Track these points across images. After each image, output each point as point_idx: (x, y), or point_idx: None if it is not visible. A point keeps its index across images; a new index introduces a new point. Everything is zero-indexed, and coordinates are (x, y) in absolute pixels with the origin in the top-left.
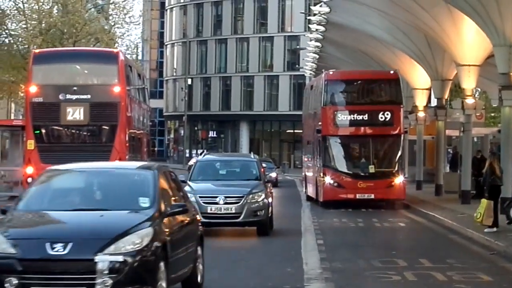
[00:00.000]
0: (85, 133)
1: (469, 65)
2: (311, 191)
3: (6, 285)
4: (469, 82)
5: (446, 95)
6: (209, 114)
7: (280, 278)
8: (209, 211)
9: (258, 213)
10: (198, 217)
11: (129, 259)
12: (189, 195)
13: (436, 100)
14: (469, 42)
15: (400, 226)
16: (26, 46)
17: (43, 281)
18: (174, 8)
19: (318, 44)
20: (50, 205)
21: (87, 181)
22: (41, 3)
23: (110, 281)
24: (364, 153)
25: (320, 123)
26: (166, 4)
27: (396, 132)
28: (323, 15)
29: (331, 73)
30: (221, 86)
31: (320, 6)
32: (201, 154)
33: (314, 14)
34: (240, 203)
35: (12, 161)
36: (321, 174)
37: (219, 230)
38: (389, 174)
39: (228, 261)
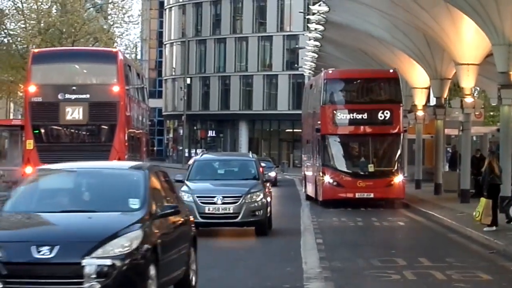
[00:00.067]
0: (84, 132)
1: (468, 64)
2: (310, 190)
3: None
4: (468, 81)
5: (445, 94)
6: (208, 113)
7: (279, 277)
8: (207, 211)
9: (257, 213)
10: (191, 218)
11: (118, 263)
12: (186, 195)
13: (435, 99)
14: (468, 41)
15: (399, 225)
16: (25, 45)
17: (29, 285)
18: (173, 8)
19: (317, 43)
20: (37, 207)
21: (76, 182)
22: (40, 3)
23: (98, 286)
24: (364, 152)
25: (319, 122)
26: (165, 4)
27: (396, 131)
28: (322, 14)
29: (330, 72)
30: (220, 85)
31: (319, 5)
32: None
33: (313, 13)
34: (238, 203)
35: (11, 160)
36: (321, 173)
37: (218, 230)
38: (388, 173)
39: (227, 261)
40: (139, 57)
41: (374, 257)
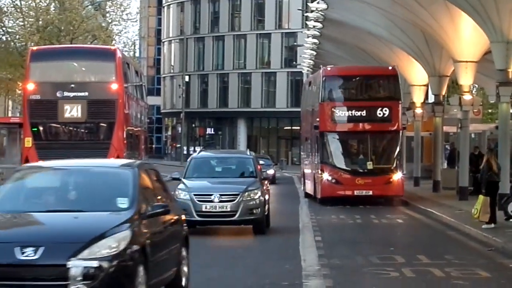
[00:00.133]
0: (82, 130)
1: (467, 62)
2: (309, 188)
3: None
4: (466, 79)
5: (444, 92)
6: (206, 111)
7: (278, 275)
8: (204, 209)
9: (254, 211)
10: (183, 217)
11: (105, 265)
12: (183, 193)
13: (433, 96)
14: (466, 38)
15: (398, 223)
16: (23, 43)
17: None
18: (171, 5)
19: (316, 40)
20: (22, 206)
21: (63, 180)
22: (38, 1)
23: None
24: (362, 149)
25: (318, 119)
26: (163, 1)
27: (395, 128)
28: (320, 12)
29: (329, 69)
30: (218, 83)
31: (318, 2)
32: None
33: (312, 11)
34: (236, 201)
35: (10, 158)
36: (319, 171)
37: (217, 228)
38: (387, 171)
39: (226, 259)
40: (137, 54)
41: (373, 255)
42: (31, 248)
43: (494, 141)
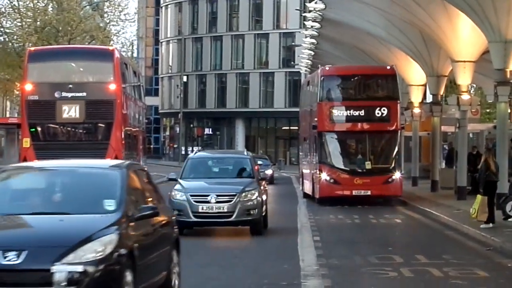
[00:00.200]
0: (80, 130)
1: (465, 61)
2: (307, 188)
3: None
4: (464, 78)
5: (442, 91)
6: (204, 111)
7: (277, 275)
8: (200, 210)
9: (251, 212)
10: (174, 218)
11: (90, 269)
12: (179, 193)
13: (431, 96)
14: (464, 38)
15: (396, 223)
16: (21, 44)
17: None
18: (169, 6)
19: (314, 41)
20: (5, 208)
21: (48, 181)
22: (36, 1)
23: None
24: (361, 149)
25: (316, 119)
26: (161, 2)
27: (393, 128)
28: (318, 12)
29: (327, 68)
30: (216, 83)
31: (315, 2)
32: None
33: (310, 11)
34: (233, 202)
35: (8, 159)
36: (317, 171)
37: (215, 229)
38: (385, 171)
39: (225, 259)
40: (135, 55)
41: (371, 255)
42: (14, 252)
43: (492, 141)
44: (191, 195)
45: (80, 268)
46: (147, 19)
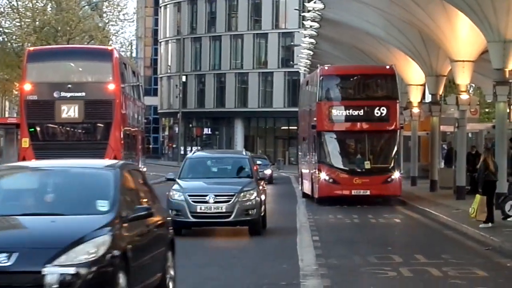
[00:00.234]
0: (79, 130)
1: (464, 61)
2: (306, 187)
3: None
4: (463, 78)
5: (441, 91)
6: (203, 111)
7: (276, 275)
8: (198, 210)
9: (250, 212)
10: (169, 219)
11: (82, 271)
12: (178, 193)
13: (430, 96)
14: (463, 38)
15: (395, 222)
16: (20, 44)
17: None
18: (168, 5)
19: (313, 40)
20: None
21: (40, 182)
22: (35, 1)
23: None
24: (360, 149)
25: (315, 119)
26: (160, 1)
27: (392, 127)
28: (317, 12)
29: (326, 68)
30: (215, 83)
31: (315, 2)
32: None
33: (308, 11)
34: (231, 202)
35: (7, 159)
36: (317, 171)
37: (214, 228)
38: (385, 170)
39: (224, 259)
40: (134, 55)
41: (370, 254)
42: (4, 254)
43: (491, 141)
44: (189, 195)
45: (72, 270)
46: (146, 19)
